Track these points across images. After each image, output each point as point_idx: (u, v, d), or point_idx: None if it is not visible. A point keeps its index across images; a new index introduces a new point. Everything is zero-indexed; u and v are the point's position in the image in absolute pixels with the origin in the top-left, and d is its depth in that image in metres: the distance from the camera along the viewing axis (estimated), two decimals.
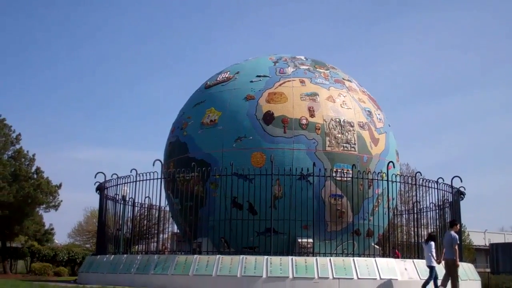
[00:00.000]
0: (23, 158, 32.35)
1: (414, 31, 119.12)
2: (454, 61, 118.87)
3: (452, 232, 15.22)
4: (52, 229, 39.37)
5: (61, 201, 33.68)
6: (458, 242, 15.47)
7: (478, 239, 55.90)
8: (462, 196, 20.44)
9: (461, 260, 14.96)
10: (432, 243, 15.54)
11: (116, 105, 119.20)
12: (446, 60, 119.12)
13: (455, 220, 15.41)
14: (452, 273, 15.03)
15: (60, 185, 33.37)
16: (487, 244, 51.21)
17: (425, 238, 16.37)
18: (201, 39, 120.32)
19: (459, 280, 15.23)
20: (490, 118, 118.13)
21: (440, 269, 15.42)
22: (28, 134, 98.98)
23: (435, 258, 15.30)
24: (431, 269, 15.24)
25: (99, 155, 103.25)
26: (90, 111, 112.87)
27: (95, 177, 20.11)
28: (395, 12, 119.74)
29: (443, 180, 18.96)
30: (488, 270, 38.27)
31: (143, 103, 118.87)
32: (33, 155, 32.74)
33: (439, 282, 15.20)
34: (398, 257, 17.40)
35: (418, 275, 15.88)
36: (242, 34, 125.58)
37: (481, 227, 63.80)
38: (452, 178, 19.28)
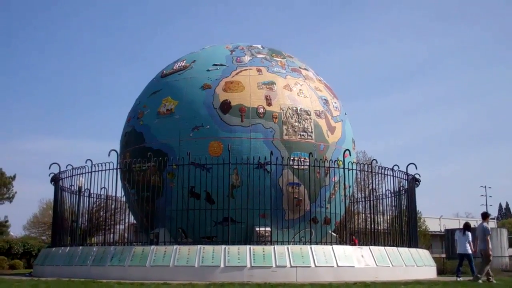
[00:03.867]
0: None
1: (371, 19, 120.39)
2: (411, 50, 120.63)
3: (485, 224, 16.80)
4: (7, 221, 38.75)
5: (16, 192, 33.26)
6: (490, 233, 16.85)
7: (433, 225, 57.07)
8: (417, 183, 20.76)
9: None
10: (469, 233, 17.37)
11: (71, 95, 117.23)
12: (403, 49, 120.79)
13: (487, 212, 17.03)
14: (485, 260, 16.38)
15: (14, 176, 32.88)
16: (443, 230, 52.25)
17: (462, 227, 18.12)
18: (157, 27, 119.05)
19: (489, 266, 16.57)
20: (445, 106, 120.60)
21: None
22: None
23: (472, 247, 17.23)
24: (469, 256, 17.32)
25: (54, 146, 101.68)
26: (44, 101, 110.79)
27: (49, 168, 19.73)
28: (352, 2, 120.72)
29: (399, 167, 19.23)
30: (444, 255, 39.03)
31: (98, 92, 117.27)
32: None
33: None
34: (355, 244, 17.59)
35: (375, 261, 16.08)
36: (199, 23, 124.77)
37: (436, 213, 65.23)
38: (407, 165, 19.57)
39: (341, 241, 18.48)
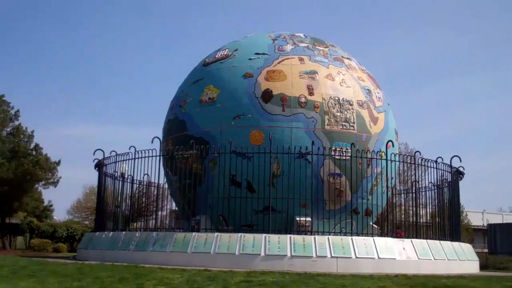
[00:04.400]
0: (22, 135, 32.23)
1: (415, 10, 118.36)
2: (454, 40, 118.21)
3: None
4: (51, 205, 39.47)
5: (60, 177, 33.72)
6: None
7: (476, 220, 56.02)
8: (461, 176, 20.42)
9: None
10: None
11: (116, 82, 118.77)
12: (446, 39, 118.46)
13: None
14: None
15: (59, 161, 33.37)
16: (485, 225, 51.25)
17: None
18: (200, 15, 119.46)
19: None
20: (490, 98, 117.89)
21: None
22: (27, 110, 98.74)
23: None
24: None
25: (98, 132, 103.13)
26: (89, 88, 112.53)
27: (93, 154, 20.18)
28: None
29: (442, 160, 18.96)
30: (486, 250, 38.36)
31: (142, 79, 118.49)
32: (32, 132, 32.65)
33: None
34: (401, 237, 17.37)
35: (417, 254, 15.93)
36: (241, 11, 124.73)
37: (479, 207, 64.03)
38: (451, 158, 19.31)
39: (383, 233, 18.30)
